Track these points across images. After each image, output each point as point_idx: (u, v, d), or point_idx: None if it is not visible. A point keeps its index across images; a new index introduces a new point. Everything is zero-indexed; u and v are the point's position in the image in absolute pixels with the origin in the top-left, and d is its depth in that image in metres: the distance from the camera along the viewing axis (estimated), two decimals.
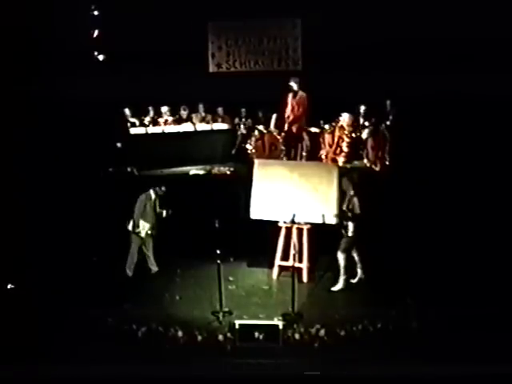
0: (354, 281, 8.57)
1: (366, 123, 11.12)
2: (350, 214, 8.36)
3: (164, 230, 9.16)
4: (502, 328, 7.21)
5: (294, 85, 10.70)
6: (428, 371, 6.73)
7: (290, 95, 10.80)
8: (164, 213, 8.93)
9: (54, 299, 8.03)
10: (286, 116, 10.90)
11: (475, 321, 7.31)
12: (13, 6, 10.71)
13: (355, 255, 8.55)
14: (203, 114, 12.24)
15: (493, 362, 6.72)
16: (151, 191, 8.93)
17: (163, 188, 8.97)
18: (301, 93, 10.76)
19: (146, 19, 11.86)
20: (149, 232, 8.89)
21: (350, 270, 8.52)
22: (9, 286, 8.53)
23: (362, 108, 11.29)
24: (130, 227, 8.86)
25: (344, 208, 8.44)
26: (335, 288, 8.49)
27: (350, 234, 8.35)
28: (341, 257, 8.45)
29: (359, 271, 8.58)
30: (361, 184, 8.63)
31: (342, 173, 8.79)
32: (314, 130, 10.96)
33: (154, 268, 9.09)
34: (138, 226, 8.84)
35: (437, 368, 6.75)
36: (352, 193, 8.42)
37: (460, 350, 6.89)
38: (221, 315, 7.72)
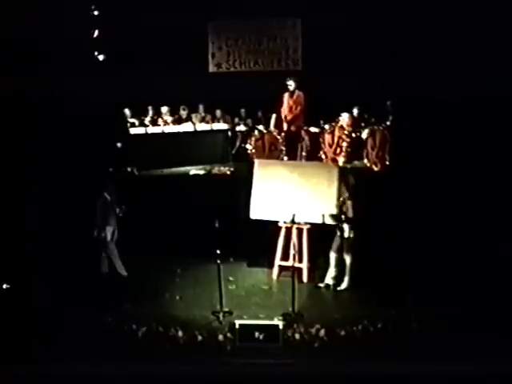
0: (340, 288, 8.52)
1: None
2: (343, 217, 8.38)
3: (164, 229, 9.18)
4: (502, 328, 7.21)
5: (291, 84, 10.73)
6: (428, 371, 6.73)
7: (287, 95, 10.86)
8: (118, 210, 8.88)
9: (54, 299, 8.04)
10: (284, 116, 10.94)
11: (475, 321, 7.31)
12: (12, 6, 10.70)
13: (347, 259, 8.44)
14: (203, 114, 12.25)
15: (493, 361, 6.72)
16: (105, 194, 8.89)
17: (111, 185, 8.93)
18: (298, 92, 10.80)
19: (146, 19, 11.85)
20: (114, 235, 8.90)
21: (340, 276, 8.52)
22: (9, 286, 8.53)
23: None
24: (95, 235, 8.84)
25: (338, 210, 8.45)
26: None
27: (345, 235, 8.35)
28: (333, 256, 8.49)
29: (346, 279, 8.49)
30: (360, 185, 8.65)
31: (340, 175, 8.73)
32: (313, 129, 10.96)
33: (106, 269, 9.01)
34: (104, 233, 8.82)
35: (437, 368, 6.75)
36: (346, 195, 8.43)
37: (460, 349, 6.89)
38: (221, 315, 7.72)
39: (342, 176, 8.69)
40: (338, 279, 8.54)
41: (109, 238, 8.87)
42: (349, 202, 8.36)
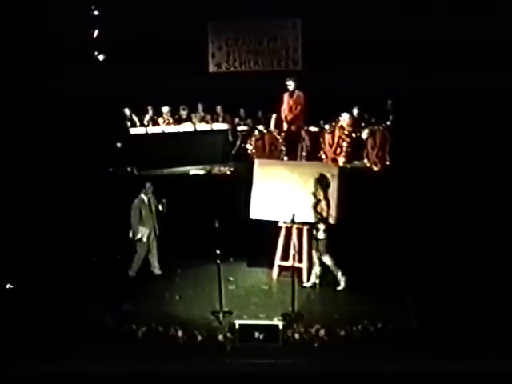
0: (338, 288, 8.49)
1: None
2: (318, 217, 8.35)
3: (164, 230, 9.17)
4: (502, 327, 7.21)
5: (291, 84, 10.72)
6: (428, 371, 6.73)
7: (287, 95, 10.84)
8: (160, 207, 8.89)
9: (54, 299, 8.04)
10: (284, 116, 10.94)
11: (475, 320, 7.31)
12: (12, 6, 10.69)
13: (327, 261, 8.38)
14: (203, 114, 12.26)
15: (493, 361, 6.71)
16: (142, 195, 8.91)
17: (149, 186, 8.91)
18: (297, 92, 10.77)
19: (146, 19, 11.85)
20: (151, 236, 8.91)
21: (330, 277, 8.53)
22: (9, 286, 8.54)
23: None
24: (130, 235, 8.87)
25: (314, 211, 8.43)
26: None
27: (319, 236, 8.32)
28: (315, 256, 8.48)
29: (340, 279, 8.44)
30: (360, 185, 8.63)
31: (315, 177, 8.57)
32: (313, 129, 10.96)
33: (157, 271, 9.10)
34: (138, 233, 8.84)
35: (436, 367, 6.75)
36: (321, 197, 8.39)
37: (460, 349, 6.89)
38: (221, 315, 7.72)
39: (317, 178, 8.56)
40: (329, 279, 8.50)
41: (144, 239, 8.88)
42: (323, 203, 8.33)
